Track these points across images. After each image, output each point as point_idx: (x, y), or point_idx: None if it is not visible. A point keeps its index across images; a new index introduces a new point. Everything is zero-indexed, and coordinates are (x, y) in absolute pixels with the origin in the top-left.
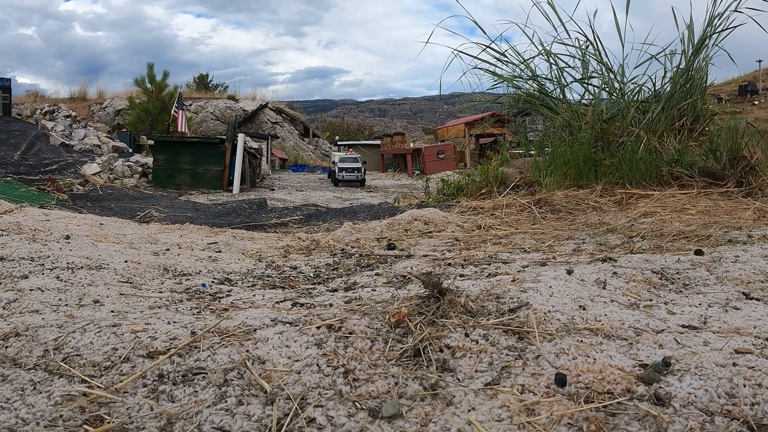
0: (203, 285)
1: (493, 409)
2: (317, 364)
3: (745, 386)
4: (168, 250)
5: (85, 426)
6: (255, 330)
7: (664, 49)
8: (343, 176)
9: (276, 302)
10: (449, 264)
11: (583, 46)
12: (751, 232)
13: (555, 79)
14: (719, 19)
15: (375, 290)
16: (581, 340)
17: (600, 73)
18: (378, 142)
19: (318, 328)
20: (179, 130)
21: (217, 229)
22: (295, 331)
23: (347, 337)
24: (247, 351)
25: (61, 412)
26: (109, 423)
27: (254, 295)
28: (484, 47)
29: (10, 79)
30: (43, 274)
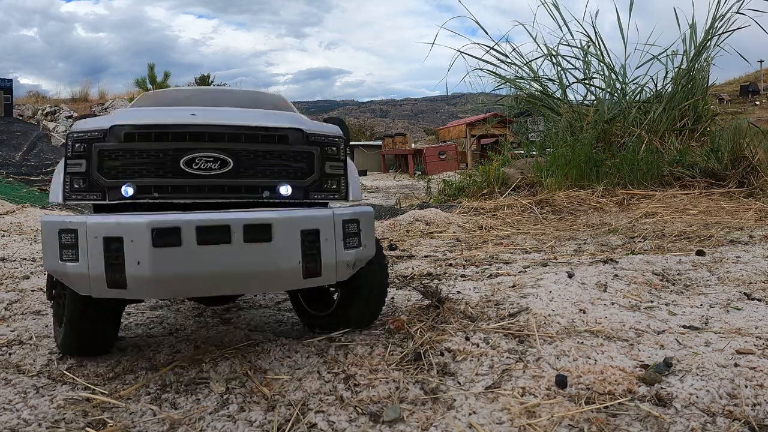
0: None
1: (494, 411)
2: (318, 371)
3: (746, 387)
4: None
5: (87, 428)
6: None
7: (665, 50)
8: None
9: (277, 302)
10: (450, 264)
11: (585, 46)
12: (753, 233)
13: (557, 80)
14: (721, 21)
15: None
16: (582, 342)
17: (602, 73)
18: (379, 142)
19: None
20: None
21: None
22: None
23: (347, 345)
24: (249, 362)
25: (63, 415)
26: (111, 426)
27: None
28: (488, 48)
29: (11, 80)
30: (44, 274)
